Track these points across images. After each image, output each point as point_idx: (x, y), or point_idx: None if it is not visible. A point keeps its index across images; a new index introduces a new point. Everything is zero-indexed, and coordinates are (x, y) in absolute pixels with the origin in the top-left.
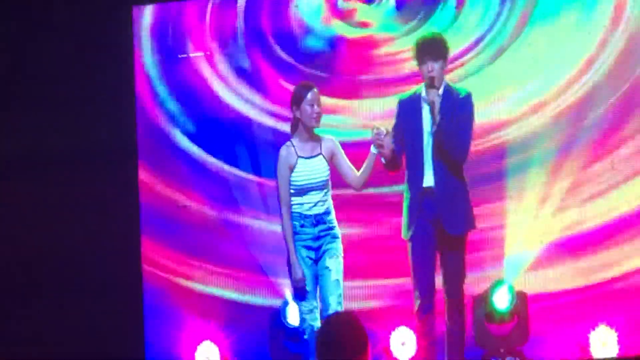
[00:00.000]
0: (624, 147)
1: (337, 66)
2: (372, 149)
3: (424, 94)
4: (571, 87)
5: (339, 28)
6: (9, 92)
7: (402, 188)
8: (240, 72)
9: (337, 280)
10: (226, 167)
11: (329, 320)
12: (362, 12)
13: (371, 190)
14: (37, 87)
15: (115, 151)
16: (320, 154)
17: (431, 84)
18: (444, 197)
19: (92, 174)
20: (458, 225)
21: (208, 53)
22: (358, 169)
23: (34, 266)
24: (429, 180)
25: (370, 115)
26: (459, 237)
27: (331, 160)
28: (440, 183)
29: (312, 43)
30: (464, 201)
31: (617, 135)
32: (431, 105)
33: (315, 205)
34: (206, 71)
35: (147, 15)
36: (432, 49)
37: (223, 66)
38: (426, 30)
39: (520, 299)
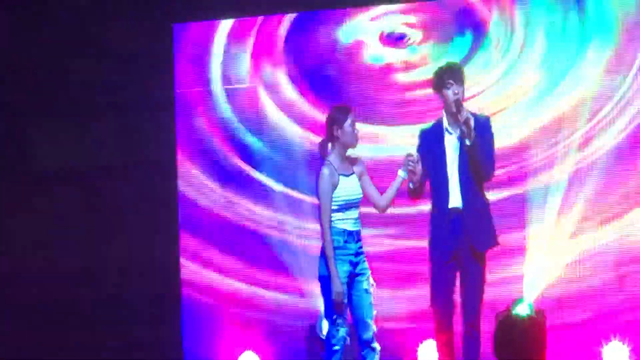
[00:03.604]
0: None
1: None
2: (401, 173)
3: (445, 124)
4: (592, 117)
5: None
6: (56, 106)
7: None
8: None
9: (371, 302)
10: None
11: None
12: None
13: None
14: (79, 100)
15: (155, 162)
16: (353, 173)
17: (458, 107)
18: (472, 215)
19: (133, 185)
20: (486, 242)
21: (251, 86)
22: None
23: (71, 278)
24: (455, 201)
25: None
26: (482, 255)
27: (359, 180)
28: (468, 202)
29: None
30: (489, 218)
31: (631, 163)
32: (466, 122)
33: (355, 222)
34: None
35: (187, 32)
36: (455, 74)
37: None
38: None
39: (539, 315)
